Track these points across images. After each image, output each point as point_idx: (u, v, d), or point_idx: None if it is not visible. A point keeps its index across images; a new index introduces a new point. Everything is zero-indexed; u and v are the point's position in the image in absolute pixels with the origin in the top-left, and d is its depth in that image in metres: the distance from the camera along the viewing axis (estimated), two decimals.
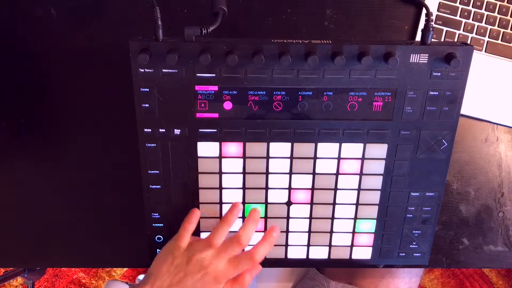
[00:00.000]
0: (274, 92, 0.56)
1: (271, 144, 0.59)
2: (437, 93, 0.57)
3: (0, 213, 0.72)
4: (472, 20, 0.65)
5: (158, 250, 0.64)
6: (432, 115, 0.58)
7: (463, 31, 0.65)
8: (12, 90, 0.67)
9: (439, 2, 0.65)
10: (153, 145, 0.59)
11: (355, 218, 0.63)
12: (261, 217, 0.63)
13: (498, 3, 0.65)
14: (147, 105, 0.57)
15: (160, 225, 0.63)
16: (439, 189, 0.62)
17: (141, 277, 1.26)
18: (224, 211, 0.63)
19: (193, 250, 0.58)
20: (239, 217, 0.62)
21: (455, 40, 0.66)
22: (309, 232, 0.64)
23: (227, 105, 0.57)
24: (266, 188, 0.61)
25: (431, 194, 0.62)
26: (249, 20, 0.66)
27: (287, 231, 0.64)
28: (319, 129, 0.58)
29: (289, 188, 0.62)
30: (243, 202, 0.62)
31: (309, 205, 0.62)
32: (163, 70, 0.55)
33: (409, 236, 0.64)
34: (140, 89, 0.56)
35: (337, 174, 0.61)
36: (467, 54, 0.55)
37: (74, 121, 0.68)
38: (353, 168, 0.60)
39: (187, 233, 0.60)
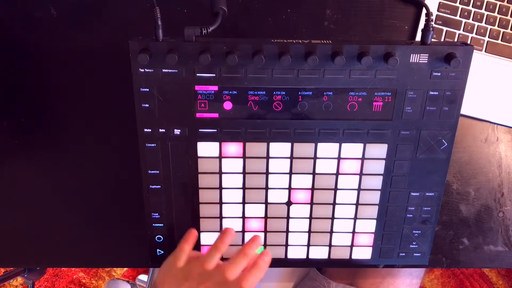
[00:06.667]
0: (274, 92, 0.56)
1: (271, 144, 0.59)
2: (437, 93, 0.57)
3: (1, 213, 0.72)
4: (472, 20, 0.65)
5: (158, 250, 0.64)
6: (432, 115, 0.58)
7: (463, 31, 0.65)
8: (12, 90, 0.67)
9: (439, 2, 0.65)
10: (153, 145, 0.59)
11: (355, 218, 0.63)
12: (261, 217, 0.63)
13: (498, 3, 0.65)
14: (147, 105, 0.57)
15: (160, 225, 0.63)
16: (439, 189, 0.62)
17: (141, 277, 1.26)
18: (224, 212, 0.62)
19: (190, 269, 0.58)
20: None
21: (455, 40, 0.66)
22: (309, 232, 0.64)
23: (227, 105, 0.57)
24: (266, 188, 0.61)
25: (431, 194, 0.62)
26: (249, 20, 0.66)
27: (287, 231, 0.64)
28: (319, 129, 0.58)
29: (289, 188, 0.62)
30: (243, 202, 0.62)
31: (309, 205, 0.62)
32: (163, 70, 0.55)
33: (409, 236, 0.64)
34: (140, 89, 0.56)
35: (337, 174, 0.61)
36: (467, 54, 0.55)
37: (74, 121, 0.68)
38: (353, 168, 0.60)
39: (184, 255, 0.59)
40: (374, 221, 0.63)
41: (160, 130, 0.58)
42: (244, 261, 0.56)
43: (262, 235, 0.64)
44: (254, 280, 0.56)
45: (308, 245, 0.65)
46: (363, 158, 0.60)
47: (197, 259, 0.59)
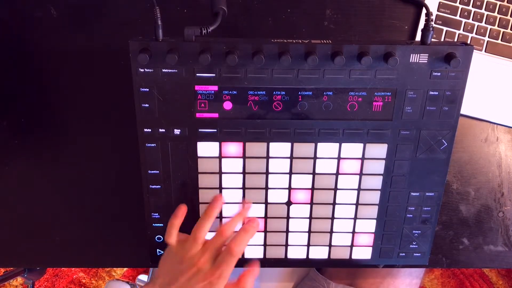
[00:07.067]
0: (274, 92, 0.56)
1: (271, 144, 0.59)
2: (437, 93, 0.57)
3: (0, 213, 0.72)
4: (472, 20, 0.65)
5: (158, 250, 0.64)
6: (432, 115, 0.58)
7: (463, 31, 0.65)
8: (12, 90, 0.67)
9: (439, 2, 0.65)
10: (153, 145, 0.59)
11: (355, 218, 0.63)
12: (261, 217, 0.63)
13: (498, 3, 0.65)
14: (147, 105, 0.57)
15: (160, 225, 0.63)
16: (439, 189, 0.62)
17: (141, 277, 1.26)
18: (224, 211, 0.62)
19: (183, 249, 0.58)
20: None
21: (455, 40, 0.66)
22: (309, 232, 0.64)
23: (227, 105, 0.57)
24: (266, 188, 0.61)
25: (431, 194, 0.62)
26: (249, 20, 0.66)
27: (287, 231, 0.64)
28: (319, 129, 0.58)
29: (289, 188, 0.62)
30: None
31: (309, 205, 0.62)
32: (163, 70, 0.55)
33: (409, 236, 0.64)
34: (140, 89, 0.56)
35: (337, 174, 0.61)
36: (467, 54, 0.55)
37: (74, 121, 0.68)
38: (353, 168, 0.60)
39: (173, 229, 0.60)
40: (374, 221, 0.63)
41: (160, 130, 0.58)
42: (239, 219, 0.60)
43: (262, 235, 0.64)
44: (243, 243, 0.58)
45: (308, 245, 0.65)
46: (363, 158, 0.60)
47: (187, 237, 0.59)
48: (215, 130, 0.58)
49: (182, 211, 0.61)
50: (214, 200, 0.61)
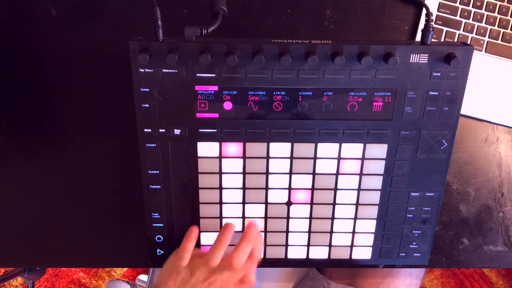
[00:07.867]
0: (274, 92, 0.56)
1: (271, 144, 0.59)
2: (437, 93, 0.57)
3: (0, 213, 0.72)
4: (472, 20, 0.65)
5: (158, 250, 0.64)
6: (432, 115, 0.58)
7: (463, 31, 0.65)
8: (12, 90, 0.67)
9: (439, 2, 0.65)
10: (153, 145, 0.59)
11: (355, 218, 0.63)
12: (261, 217, 0.63)
13: (498, 3, 0.65)
14: (147, 105, 0.57)
15: (160, 225, 0.63)
16: (439, 189, 0.62)
17: (141, 277, 1.26)
18: (224, 212, 0.62)
19: (195, 265, 0.58)
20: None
21: (455, 40, 0.66)
22: (309, 232, 0.64)
23: (227, 105, 0.57)
24: (266, 188, 0.61)
25: (431, 194, 0.62)
26: (249, 20, 0.66)
27: (287, 231, 0.64)
28: (319, 129, 0.58)
29: (289, 188, 0.62)
30: (243, 202, 0.62)
31: (309, 205, 0.62)
32: (163, 70, 0.55)
33: (409, 236, 0.64)
34: (140, 89, 0.56)
35: (337, 174, 0.61)
36: (467, 54, 0.55)
37: (74, 121, 0.68)
38: (353, 168, 0.60)
39: (187, 253, 0.60)
40: (374, 221, 0.63)
41: (160, 130, 0.58)
42: (248, 247, 0.58)
43: (262, 235, 0.64)
44: (243, 254, 0.58)
45: (308, 245, 0.65)
46: (363, 158, 0.60)
47: (200, 257, 0.59)
48: (215, 130, 0.58)
49: (195, 234, 0.61)
50: (224, 228, 0.61)
